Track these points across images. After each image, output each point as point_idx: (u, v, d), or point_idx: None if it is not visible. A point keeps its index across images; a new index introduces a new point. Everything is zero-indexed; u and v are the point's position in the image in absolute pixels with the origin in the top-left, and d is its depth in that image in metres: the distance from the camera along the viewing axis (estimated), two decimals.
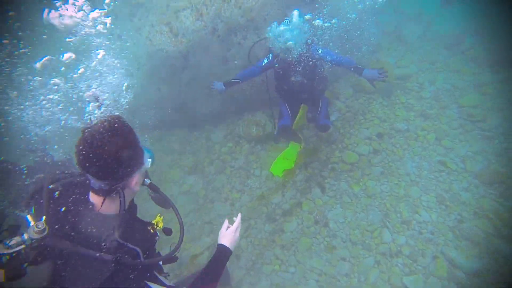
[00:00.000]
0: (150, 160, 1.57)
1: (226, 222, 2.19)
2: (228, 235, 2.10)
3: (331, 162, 5.05)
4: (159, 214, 1.86)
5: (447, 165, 4.68)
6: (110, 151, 1.29)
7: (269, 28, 3.75)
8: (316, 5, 4.65)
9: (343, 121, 5.41)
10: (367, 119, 5.38)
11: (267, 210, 4.74)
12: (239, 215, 2.23)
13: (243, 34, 4.73)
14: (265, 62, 4.00)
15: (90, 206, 1.43)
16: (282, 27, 3.65)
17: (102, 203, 1.42)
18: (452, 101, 5.40)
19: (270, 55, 4.00)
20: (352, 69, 3.77)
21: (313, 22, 4.16)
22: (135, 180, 1.46)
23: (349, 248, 4.25)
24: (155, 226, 1.73)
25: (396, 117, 5.33)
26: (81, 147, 1.29)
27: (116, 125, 1.34)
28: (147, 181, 1.72)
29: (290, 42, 3.63)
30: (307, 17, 3.98)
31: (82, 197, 1.45)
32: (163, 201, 1.92)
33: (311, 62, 3.89)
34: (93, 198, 1.44)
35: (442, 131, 5.04)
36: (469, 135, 4.92)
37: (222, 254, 2.01)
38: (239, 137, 5.51)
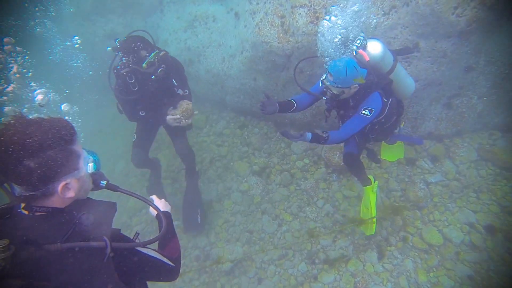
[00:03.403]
0: (91, 165, 1.43)
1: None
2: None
3: (406, 231, 4.15)
4: None
5: None
6: (13, 153, 1.16)
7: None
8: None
9: (444, 188, 4.29)
10: (481, 200, 4.12)
11: (311, 248, 4.28)
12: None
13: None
14: (315, 88, 3.26)
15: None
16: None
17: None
18: None
19: (320, 82, 3.18)
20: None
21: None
22: (62, 186, 1.29)
23: None
24: None
25: None
26: None
27: (24, 123, 1.21)
28: (103, 183, 1.56)
29: (324, 80, 2.88)
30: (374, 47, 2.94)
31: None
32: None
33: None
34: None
35: None
36: None
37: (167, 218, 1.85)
38: (318, 157, 4.95)
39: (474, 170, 4.35)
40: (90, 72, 5.88)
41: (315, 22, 3.95)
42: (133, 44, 3.25)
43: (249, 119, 5.64)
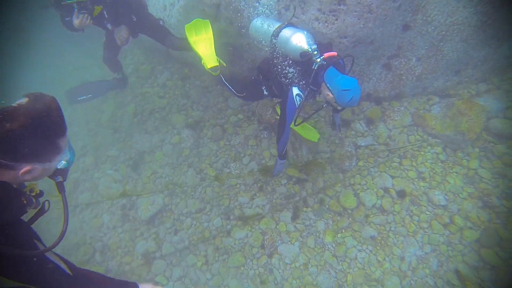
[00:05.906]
0: (64, 162, 1.46)
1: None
2: None
3: (325, 193, 4.08)
4: None
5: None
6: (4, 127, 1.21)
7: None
8: None
9: (371, 152, 4.14)
10: (402, 166, 3.99)
11: (228, 204, 4.26)
12: None
13: (286, 2, 3.69)
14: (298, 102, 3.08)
15: None
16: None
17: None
18: None
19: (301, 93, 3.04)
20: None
21: None
22: (26, 170, 1.33)
23: None
24: (28, 193, 1.56)
25: (444, 183, 3.80)
26: None
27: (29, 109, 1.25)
28: (58, 178, 1.57)
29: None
30: None
31: None
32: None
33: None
34: None
35: None
36: None
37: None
38: (252, 113, 4.80)
39: (404, 135, 4.17)
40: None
41: None
42: None
43: (193, 72, 5.44)
